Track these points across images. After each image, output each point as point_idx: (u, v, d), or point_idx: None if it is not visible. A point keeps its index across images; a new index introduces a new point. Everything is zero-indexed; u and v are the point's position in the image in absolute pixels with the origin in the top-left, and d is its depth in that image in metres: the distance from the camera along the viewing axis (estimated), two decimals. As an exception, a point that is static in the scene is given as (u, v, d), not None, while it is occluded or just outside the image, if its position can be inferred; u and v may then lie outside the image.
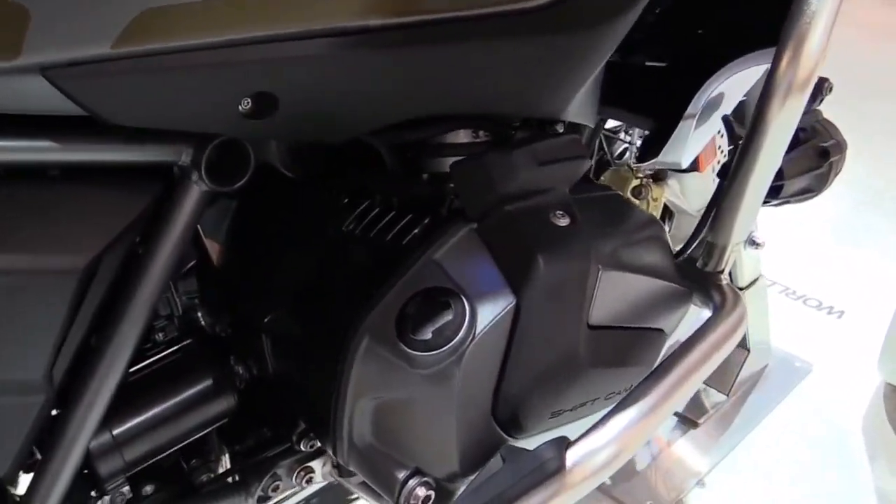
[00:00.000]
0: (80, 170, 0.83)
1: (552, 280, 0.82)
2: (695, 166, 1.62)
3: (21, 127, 0.78)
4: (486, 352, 0.81)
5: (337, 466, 1.12)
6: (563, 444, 0.80)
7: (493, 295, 0.81)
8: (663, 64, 1.18)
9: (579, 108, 0.96)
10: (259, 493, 1.11)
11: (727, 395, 1.99)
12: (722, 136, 1.71)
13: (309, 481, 1.14)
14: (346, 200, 0.97)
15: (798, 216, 2.52)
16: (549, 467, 0.78)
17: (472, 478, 0.83)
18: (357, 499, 1.38)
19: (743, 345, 1.97)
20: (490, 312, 0.80)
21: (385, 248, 0.89)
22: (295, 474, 1.13)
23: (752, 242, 1.72)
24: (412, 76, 0.81)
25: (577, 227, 0.85)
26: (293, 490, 1.16)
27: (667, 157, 1.12)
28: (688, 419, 1.95)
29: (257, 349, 1.00)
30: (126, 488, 1.04)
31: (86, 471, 0.98)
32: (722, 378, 1.97)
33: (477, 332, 0.80)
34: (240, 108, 0.80)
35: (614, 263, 0.87)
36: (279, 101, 0.80)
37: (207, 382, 1.05)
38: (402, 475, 0.84)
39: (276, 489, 1.12)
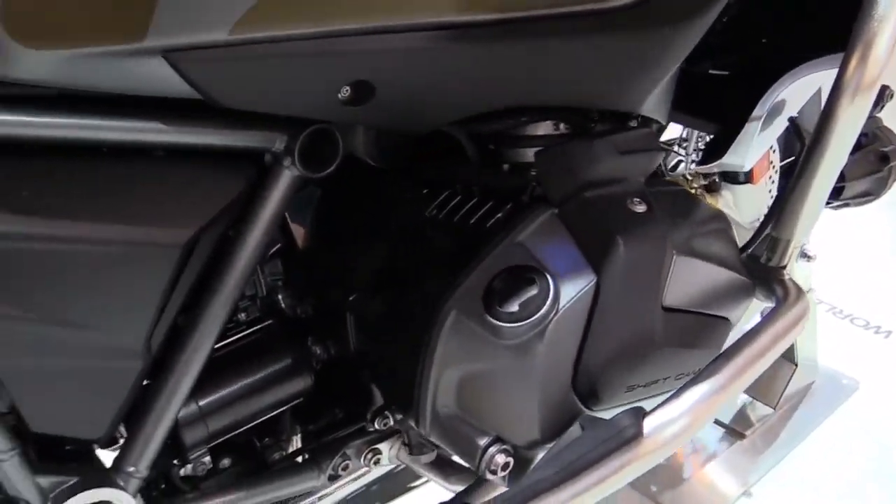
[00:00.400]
0: (182, 152, 0.90)
1: (631, 261, 0.87)
2: (748, 179, 1.67)
3: (131, 109, 0.84)
4: (567, 326, 0.86)
5: (407, 446, 1.17)
6: (640, 413, 0.84)
7: (574, 273, 0.86)
8: (726, 72, 1.23)
9: (654, 104, 1.01)
10: (329, 471, 1.16)
11: (774, 409, 2.01)
12: (774, 151, 1.75)
13: (377, 462, 1.18)
14: (428, 190, 1.02)
15: (843, 235, 2.55)
16: (626, 434, 0.82)
17: (550, 445, 0.88)
18: (415, 488, 1.43)
19: (791, 359, 1.99)
20: (572, 289, 0.85)
21: (468, 232, 0.94)
22: (363, 455, 1.18)
23: (804, 255, 1.75)
24: (502, 69, 0.87)
25: (653, 215, 0.90)
26: (361, 470, 1.21)
27: (730, 159, 1.16)
28: (735, 431, 1.97)
29: (339, 329, 1.05)
30: (207, 458, 1.10)
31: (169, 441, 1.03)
32: (769, 391, 1.99)
33: (560, 307, 0.85)
34: (339, 95, 0.85)
35: (687, 250, 0.92)
36: (376, 89, 0.85)
37: (287, 362, 1.11)
38: (483, 442, 0.89)
39: (345, 468, 1.17)
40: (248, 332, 1.11)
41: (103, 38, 0.74)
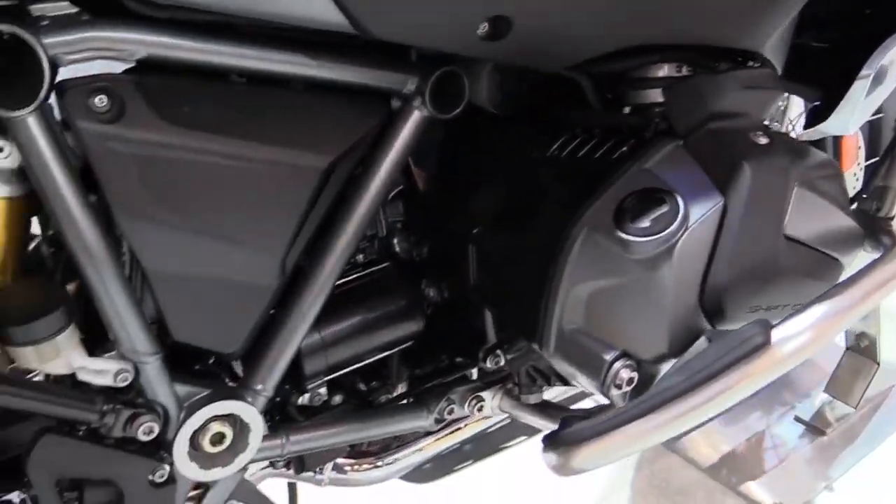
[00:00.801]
0: (323, 86, 0.95)
1: (756, 186, 0.91)
2: (836, 167, 1.69)
3: (283, 42, 0.90)
4: (696, 243, 0.90)
5: (514, 387, 1.20)
6: (767, 324, 0.87)
7: (702, 195, 0.91)
8: (827, 45, 1.26)
9: (773, 51, 1.05)
10: (436, 414, 1.20)
11: (854, 409, 2.01)
12: (860, 148, 1.77)
13: (480, 409, 1.22)
14: (548, 134, 1.06)
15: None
16: (754, 342, 0.85)
17: (675, 361, 0.91)
18: (506, 448, 1.45)
19: (873, 357, 1.99)
20: (700, 209, 0.90)
21: (593, 165, 0.98)
22: (468, 402, 1.21)
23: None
24: (633, 5, 0.91)
25: (776, 147, 0.94)
26: (464, 418, 1.24)
27: (834, 123, 1.20)
28: (816, 428, 1.97)
29: (456, 268, 1.09)
30: (323, 390, 1.14)
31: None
32: (850, 391, 1.99)
33: (689, 224, 0.89)
34: (478, 30, 0.91)
35: (807, 184, 0.95)
36: (513, 25, 0.90)
37: (402, 304, 1.16)
38: (609, 357, 0.92)
39: (450, 412, 1.21)
40: (365, 272, 1.16)
41: None
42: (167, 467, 0.99)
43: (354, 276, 1.15)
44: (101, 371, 0.93)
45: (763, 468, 1.84)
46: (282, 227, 0.97)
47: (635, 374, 0.92)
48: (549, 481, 1.83)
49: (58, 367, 0.91)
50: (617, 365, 0.92)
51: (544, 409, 1.17)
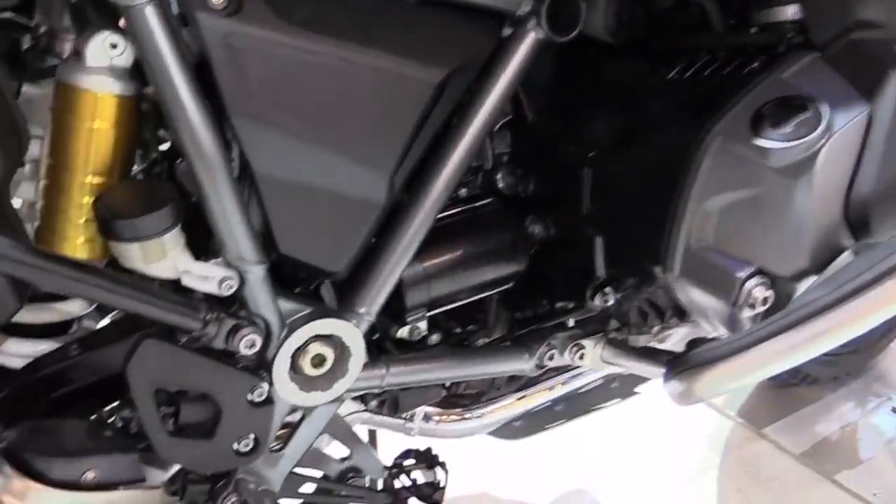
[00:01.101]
0: (441, 3, 0.93)
1: (904, 95, 0.85)
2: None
3: None
4: (840, 152, 0.84)
5: (611, 341, 1.15)
6: (923, 236, 0.82)
7: (846, 102, 0.85)
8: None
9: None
10: (535, 359, 1.15)
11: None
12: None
13: (581, 357, 1.16)
14: (668, 61, 1.02)
15: None
16: (903, 254, 0.79)
17: (815, 278, 0.85)
18: (598, 409, 1.40)
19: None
20: (845, 116, 0.84)
21: (721, 81, 0.93)
22: (568, 349, 1.16)
23: None
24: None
25: (921, 56, 0.88)
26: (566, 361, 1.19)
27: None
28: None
29: (570, 196, 1.04)
30: (423, 324, 1.10)
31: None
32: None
33: (833, 131, 0.83)
34: None
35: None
36: None
37: (506, 240, 1.12)
38: (742, 275, 0.86)
39: (551, 358, 1.16)
40: (468, 207, 1.12)
41: None
42: (266, 386, 0.95)
43: (457, 210, 1.11)
44: (206, 277, 0.90)
45: (859, 458, 1.76)
46: (393, 141, 0.94)
47: (770, 293, 0.86)
48: (636, 454, 1.78)
49: (162, 270, 0.88)
50: (751, 283, 0.86)
51: (651, 353, 1.11)
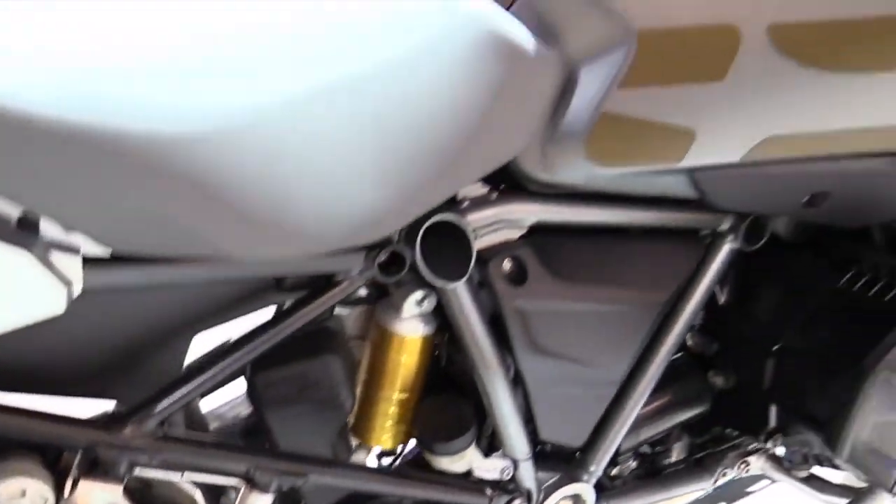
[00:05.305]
0: (656, 231, 1.19)
1: None
2: None
3: (627, 200, 1.13)
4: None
5: (773, 458, 1.43)
6: None
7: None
8: None
9: None
10: (713, 479, 1.44)
11: None
12: None
13: (747, 471, 1.45)
14: (837, 265, 1.27)
15: None
16: None
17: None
18: (753, 493, 1.68)
19: None
20: None
21: (884, 308, 1.18)
22: (737, 465, 1.45)
23: None
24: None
25: None
26: (734, 475, 1.47)
27: None
28: None
29: (753, 369, 1.31)
30: (632, 462, 1.39)
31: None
32: None
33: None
34: (802, 200, 1.11)
35: None
36: (830, 196, 1.11)
37: (694, 388, 1.39)
38: (896, 473, 1.14)
39: (724, 475, 1.44)
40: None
41: (653, 161, 1.02)
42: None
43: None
44: (491, 469, 1.20)
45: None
46: (634, 344, 1.22)
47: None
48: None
49: (460, 467, 1.18)
50: (905, 479, 1.14)
51: (810, 480, 1.39)
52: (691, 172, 1.07)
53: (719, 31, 0.95)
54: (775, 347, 1.27)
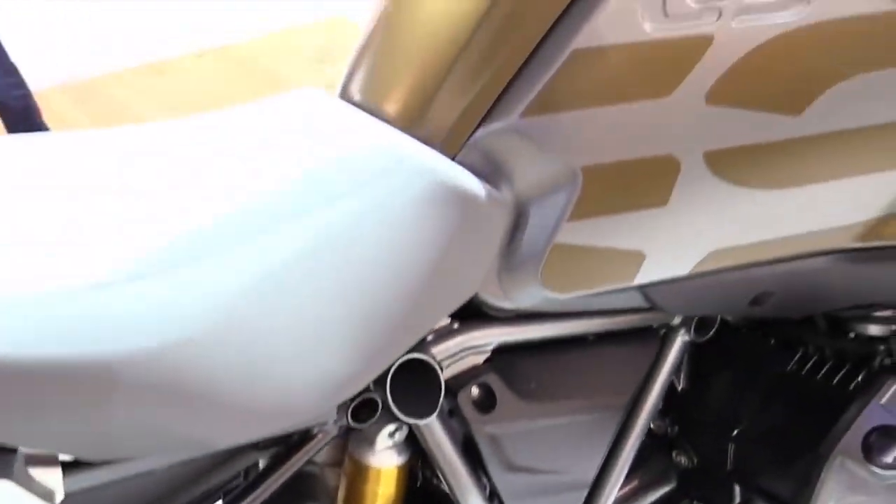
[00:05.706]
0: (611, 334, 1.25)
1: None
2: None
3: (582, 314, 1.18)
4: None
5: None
6: None
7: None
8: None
9: None
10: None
11: None
12: None
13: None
14: (784, 347, 1.34)
15: None
16: None
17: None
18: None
19: None
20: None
21: (833, 392, 1.25)
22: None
23: None
24: (876, 281, 1.18)
25: None
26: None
27: None
28: None
29: (715, 451, 1.37)
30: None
31: None
32: None
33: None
34: (748, 300, 1.18)
35: None
36: (775, 295, 1.17)
37: (659, 469, 1.45)
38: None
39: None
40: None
41: (606, 284, 1.07)
42: None
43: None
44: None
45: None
46: (598, 450, 1.27)
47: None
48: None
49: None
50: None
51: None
52: (643, 287, 1.12)
53: (660, 162, 1.00)
54: (734, 433, 1.33)
